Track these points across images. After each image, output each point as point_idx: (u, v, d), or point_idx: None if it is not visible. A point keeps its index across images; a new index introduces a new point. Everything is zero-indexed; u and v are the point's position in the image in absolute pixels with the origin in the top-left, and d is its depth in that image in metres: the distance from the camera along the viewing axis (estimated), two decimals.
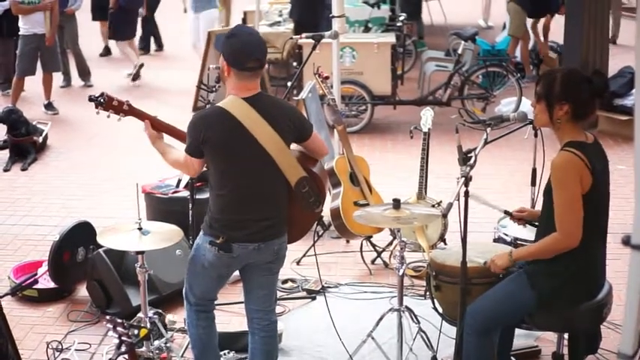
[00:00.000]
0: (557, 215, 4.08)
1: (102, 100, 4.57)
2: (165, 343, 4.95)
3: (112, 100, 4.60)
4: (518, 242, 4.92)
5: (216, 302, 4.70)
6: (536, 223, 4.48)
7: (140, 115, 4.61)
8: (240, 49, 4.23)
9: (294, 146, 4.44)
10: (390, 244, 6.57)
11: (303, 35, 6.79)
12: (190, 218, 5.73)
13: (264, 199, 4.31)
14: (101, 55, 14.83)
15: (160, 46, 15.48)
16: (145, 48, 15.10)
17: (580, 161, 4.04)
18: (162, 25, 15.83)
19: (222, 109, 4.23)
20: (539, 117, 4.25)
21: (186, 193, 6.38)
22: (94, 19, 14.50)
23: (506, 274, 4.34)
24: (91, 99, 4.58)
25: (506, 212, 4.83)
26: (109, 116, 4.62)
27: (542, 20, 13.31)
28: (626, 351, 2.14)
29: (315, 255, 5.43)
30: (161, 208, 6.62)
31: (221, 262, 4.35)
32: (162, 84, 13.02)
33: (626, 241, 2.10)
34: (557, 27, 12.48)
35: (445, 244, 6.28)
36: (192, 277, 4.51)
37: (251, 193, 4.27)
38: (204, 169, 4.41)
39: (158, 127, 4.59)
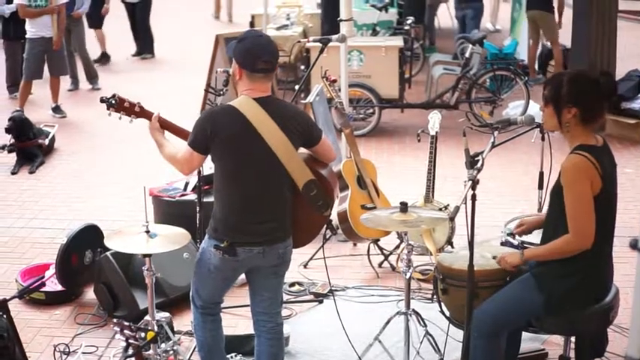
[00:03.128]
0: (569, 217, 4.07)
1: (113, 102, 4.58)
2: (173, 346, 4.95)
3: (124, 101, 4.60)
4: (525, 246, 4.91)
5: (223, 305, 4.71)
6: None
7: (151, 117, 4.62)
8: (250, 50, 4.27)
9: (302, 149, 4.44)
10: (398, 247, 6.55)
11: (311, 38, 6.80)
12: (198, 221, 5.72)
13: (269, 202, 4.31)
14: (95, 61, 14.64)
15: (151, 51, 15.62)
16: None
17: (590, 164, 4.04)
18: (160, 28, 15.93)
19: (232, 107, 4.24)
20: (548, 121, 4.24)
21: (193, 196, 6.38)
22: (90, 26, 14.50)
23: (513, 276, 4.34)
24: (102, 100, 4.59)
25: (509, 234, 4.85)
26: (120, 118, 4.63)
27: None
28: (634, 354, 2.13)
29: (324, 258, 5.42)
30: (168, 211, 6.63)
31: (226, 266, 4.36)
32: (166, 88, 13.01)
33: (634, 245, 2.10)
34: (564, 30, 12.43)
35: (452, 247, 6.28)
36: (198, 280, 4.52)
37: (256, 195, 4.27)
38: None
39: (164, 124, 4.61)
